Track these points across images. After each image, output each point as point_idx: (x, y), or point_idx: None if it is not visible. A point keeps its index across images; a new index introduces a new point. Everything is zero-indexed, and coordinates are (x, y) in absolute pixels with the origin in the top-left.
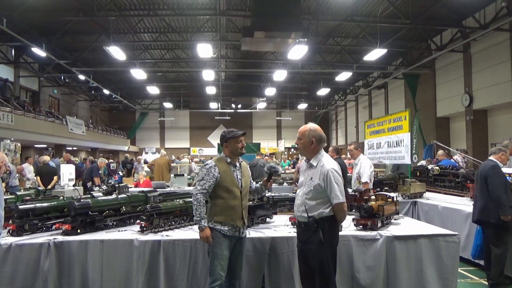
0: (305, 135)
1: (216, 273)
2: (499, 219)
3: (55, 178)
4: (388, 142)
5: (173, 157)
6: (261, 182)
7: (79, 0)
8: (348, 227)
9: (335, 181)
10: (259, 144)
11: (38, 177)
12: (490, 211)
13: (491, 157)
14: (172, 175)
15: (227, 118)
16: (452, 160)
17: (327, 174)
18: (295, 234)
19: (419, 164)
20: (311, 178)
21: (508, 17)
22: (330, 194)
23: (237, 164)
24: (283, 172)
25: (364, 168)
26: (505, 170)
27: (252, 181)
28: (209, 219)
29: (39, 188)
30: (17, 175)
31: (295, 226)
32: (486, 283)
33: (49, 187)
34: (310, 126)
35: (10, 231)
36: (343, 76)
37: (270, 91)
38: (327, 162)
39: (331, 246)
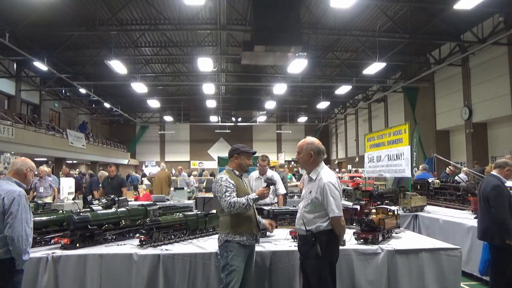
0: (303, 149)
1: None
2: (503, 241)
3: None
4: (388, 155)
5: (173, 171)
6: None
7: (81, 15)
8: (349, 241)
9: (331, 195)
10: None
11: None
12: (494, 234)
13: (494, 172)
14: (172, 189)
15: (227, 131)
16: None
17: (323, 188)
18: (296, 248)
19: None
20: (310, 192)
21: (505, 31)
22: (327, 208)
23: (242, 176)
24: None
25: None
26: (508, 184)
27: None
28: (227, 232)
29: (38, 202)
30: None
31: (295, 240)
32: None
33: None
34: (308, 139)
35: None
36: (343, 89)
37: (270, 105)
38: (325, 175)
39: (329, 260)
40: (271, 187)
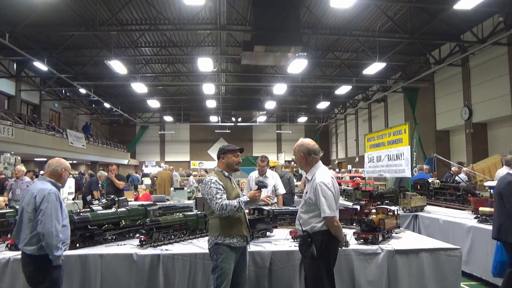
0: (295, 152)
1: None
2: None
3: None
4: (388, 155)
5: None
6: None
7: (81, 15)
8: (349, 241)
9: (323, 195)
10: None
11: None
12: (507, 231)
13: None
14: (172, 189)
15: (227, 131)
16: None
17: (316, 188)
18: (296, 248)
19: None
20: (306, 192)
21: (505, 31)
22: (320, 208)
23: (231, 177)
24: None
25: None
26: None
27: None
28: (217, 234)
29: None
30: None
31: (295, 240)
32: None
33: None
34: (299, 142)
35: (9, 245)
36: (343, 89)
37: (270, 105)
38: (319, 175)
39: (325, 261)
40: (264, 189)
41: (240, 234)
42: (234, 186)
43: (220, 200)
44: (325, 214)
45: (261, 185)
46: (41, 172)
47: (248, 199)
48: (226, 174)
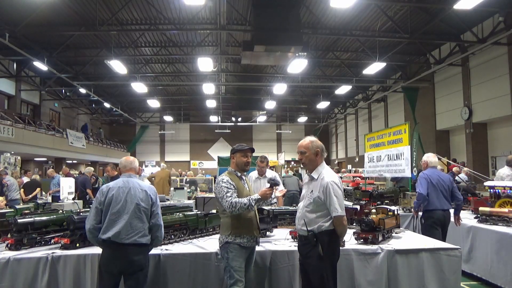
0: (309, 147)
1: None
2: None
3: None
4: (388, 155)
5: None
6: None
7: (81, 15)
8: (349, 241)
9: (335, 194)
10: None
11: (23, 190)
12: None
13: None
14: (172, 189)
15: (227, 131)
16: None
17: (326, 187)
18: (296, 248)
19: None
20: (312, 191)
21: (505, 31)
22: (330, 207)
23: (243, 177)
24: None
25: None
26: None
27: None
28: (227, 233)
29: (38, 201)
30: (17, 188)
31: (295, 240)
32: None
33: (30, 196)
34: (310, 138)
35: (9, 245)
36: (343, 89)
37: (270, 105)
38: (327, 174)
39: (331, 261)
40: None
41: (250, 234)
42: (246, 186)
43: (230, 198)
44: (338, 213)
45: (272, 183)
46: (35, 172)
47: (259, 197)
48: (239, 174)
